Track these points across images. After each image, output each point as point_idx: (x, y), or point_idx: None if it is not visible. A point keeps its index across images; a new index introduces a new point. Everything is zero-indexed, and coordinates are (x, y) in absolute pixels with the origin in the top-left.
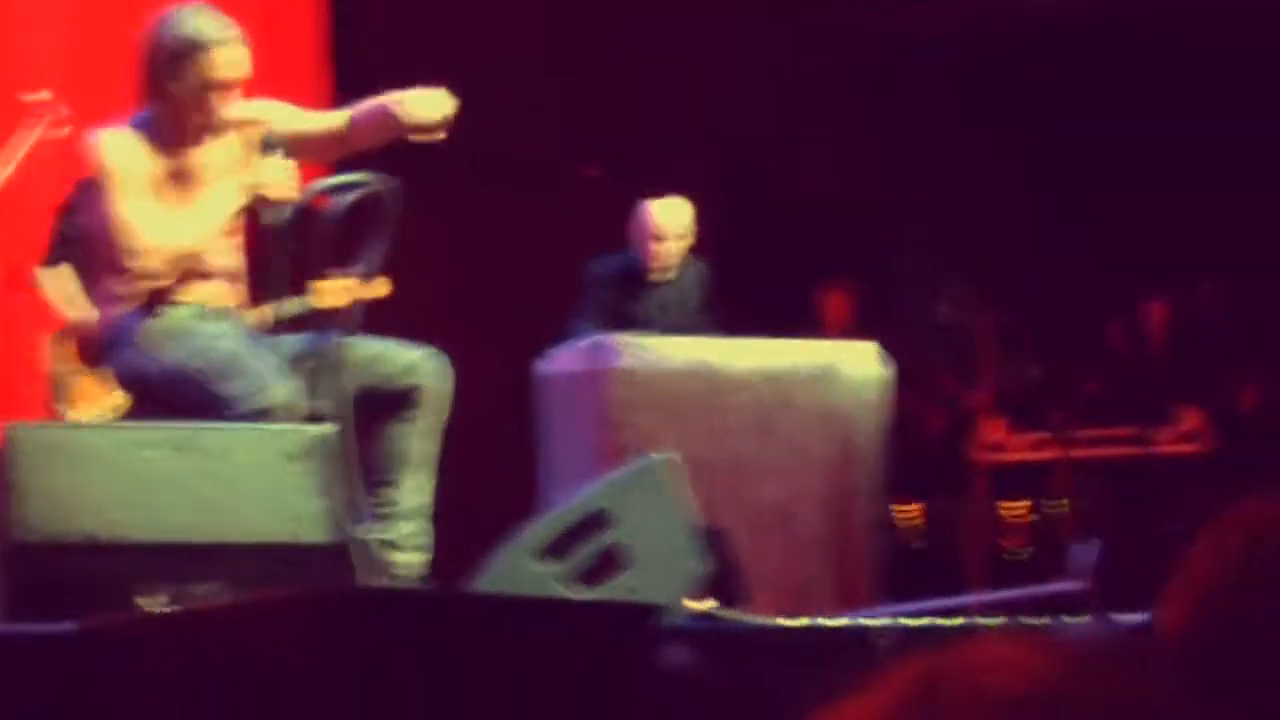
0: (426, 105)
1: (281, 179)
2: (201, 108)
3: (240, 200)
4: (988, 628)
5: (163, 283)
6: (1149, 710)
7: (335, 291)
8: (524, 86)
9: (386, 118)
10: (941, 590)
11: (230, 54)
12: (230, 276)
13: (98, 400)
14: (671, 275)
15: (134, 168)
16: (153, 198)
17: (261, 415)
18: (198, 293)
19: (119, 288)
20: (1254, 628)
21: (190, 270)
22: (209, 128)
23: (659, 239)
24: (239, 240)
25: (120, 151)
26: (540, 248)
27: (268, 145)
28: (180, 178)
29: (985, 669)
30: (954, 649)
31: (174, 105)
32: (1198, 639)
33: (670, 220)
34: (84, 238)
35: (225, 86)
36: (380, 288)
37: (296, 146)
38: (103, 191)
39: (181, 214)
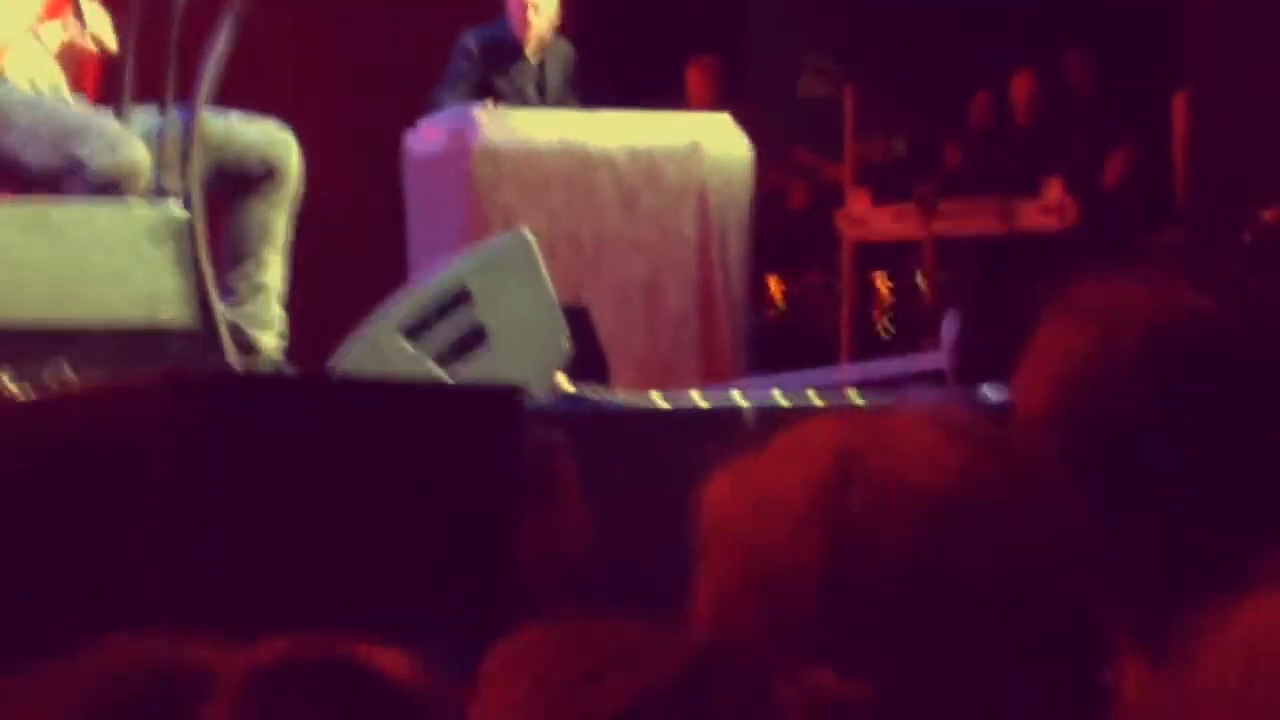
0: None
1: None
2: None
3: None
4: (854, 406)
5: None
6: (1053, 508)
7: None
8: None
9: None
10: (807, 365)
11: None
12: (66, 50)
13: None
14: (536, 49)
15: None
16: None
17: (117, 171)
18: (30, 63)
19: None
20: (1108, 419)
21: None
22: None
23: (533, 7)
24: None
25: None
26: (405, 23)
27: None
28: None
29: (907, 461)
30: (868, 427)
31: None
32: (1055, 425)
33: None
34: None
35: None
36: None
37: None
38: None
39: None
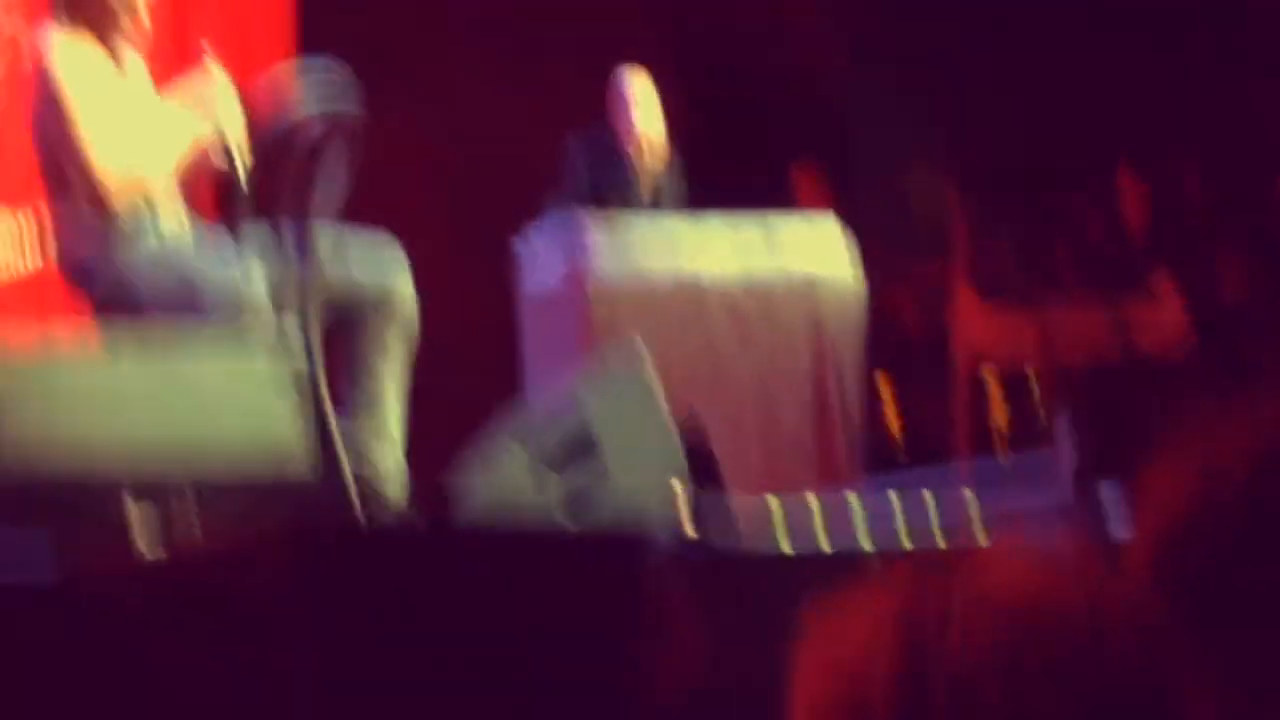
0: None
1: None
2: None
3: (198, 131)
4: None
5: (118, 209)
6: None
7: None
8: None
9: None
10: (922, 464)
11: None
12: (186, 184)
13: None
14: (641, 153)
15: (87, 74)
16: (109, 105)
17: (237, 317)
18: (154, 202)
19: (87, 200)
20: (1210, 569)
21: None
22: (125, 9)
23: (636, 108)
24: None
25: (64, 56)
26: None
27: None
28: (110, 80)
29: (989, 584)
30: (953, 557)
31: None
32: (1162, 575)
33: (644, 91)
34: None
35: None
36: None
37: None
38: (55, 105)
39: (139, 130)
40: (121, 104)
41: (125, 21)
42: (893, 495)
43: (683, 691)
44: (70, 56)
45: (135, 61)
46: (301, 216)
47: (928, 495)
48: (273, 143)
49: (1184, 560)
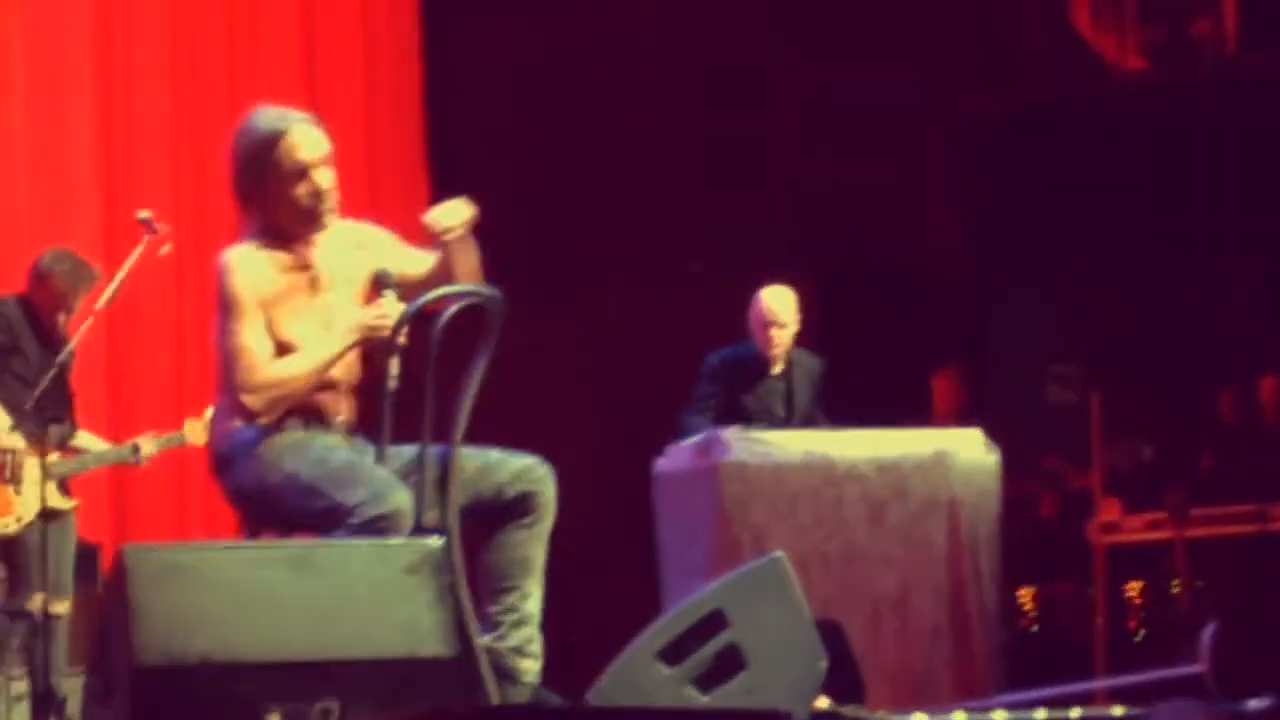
0: (451, 214)
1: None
2: (295, 202)
3: (355, 338)
4: (1114, 718)
5: (264, 418)
6: None
7: None
8: (621, 189)
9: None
10: (1063, 676)
11: (304, 134)
12: (343, 387)
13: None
14: (781, 366)
15: (260, 290)
16: (279, 313)
17: (381, 522)
18: (309, 402)
19: (236, 407)
20: None
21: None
22: (311, 219)
23: (776, 325)
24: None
25: (245, 271)
26: (649, 343)
27: (384, 283)
28: (304, 286)
29: None
30: None
31: (269, 206)
32: None
33: (783, 305)
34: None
35: (309, 167)
36: None
37: (406, 288)
38: (227, 315)
39: (303, 341)
40: (297, 317)
41: (316, 227)
42: (1039, 714)
43: None
44: (250, 264)
45: (330, 264)
46: (444, 401)
47: (1075, 713)
48: (413, 318)
49: None
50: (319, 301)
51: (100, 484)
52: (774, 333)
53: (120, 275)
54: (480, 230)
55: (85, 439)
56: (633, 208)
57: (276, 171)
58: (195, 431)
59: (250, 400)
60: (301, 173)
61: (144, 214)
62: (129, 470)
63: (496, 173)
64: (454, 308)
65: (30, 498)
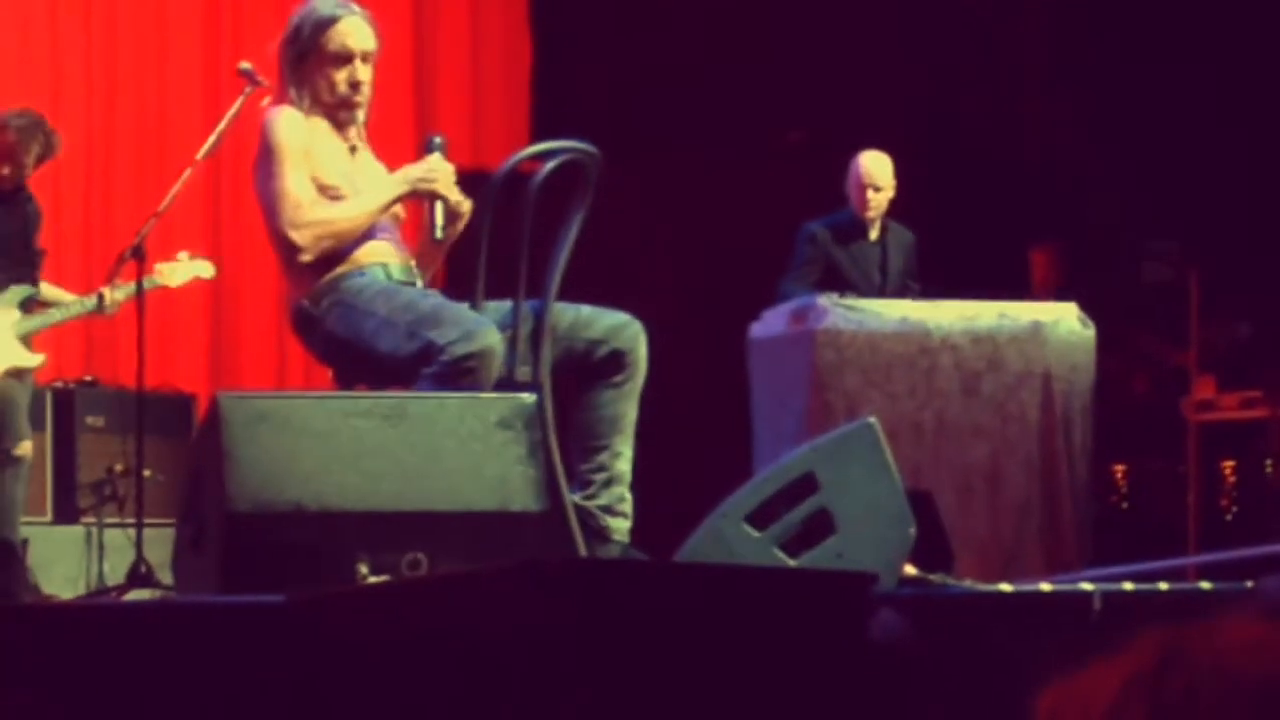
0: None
1: (449, 179)
2: (333, 85)
3: (403, 189)
4: (1203, 592)
5: (307, 257)
6: None
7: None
8: (723, 62)
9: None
10: (1153, 553)
11: (356, 26)
12: (395, 238)
13: None
14: (877, 233)
15: (302, 141)
16: (321, 166)
17: (472, 360)
18: (382, 253)
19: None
20: None
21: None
22: (344, 105)
23: (874, 188)
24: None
25: (290, 126)
26: (748, 214)
27: (431, 145)
28: (343, 151)
29: (1230, 650)
30: (1196, 625)
31: (308, 83)
32: None
33: (880, 169)
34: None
35: (353, 55)
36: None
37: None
38: (271, 159)
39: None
40: (337, 168)
41: (349, 115)
42: (1127, 586)
43: None
44: (295, 122)
45: (365, 149)
46: (538, 259)
47: (1163, 586)
48: (506, 178)
49: None
50: (357, 163)
51: (197, 333)
52: (871, 195)
53: (221, 127)
54: (580, 89)
55: (52, 293)
56: (730, 75)
57: (321, 51)
58: (167, 274)
59: (296, 236)
60: (346, 58)
61: (245, 65)
62: (226, 320)
63: (597, 34)
64: (551, 164)
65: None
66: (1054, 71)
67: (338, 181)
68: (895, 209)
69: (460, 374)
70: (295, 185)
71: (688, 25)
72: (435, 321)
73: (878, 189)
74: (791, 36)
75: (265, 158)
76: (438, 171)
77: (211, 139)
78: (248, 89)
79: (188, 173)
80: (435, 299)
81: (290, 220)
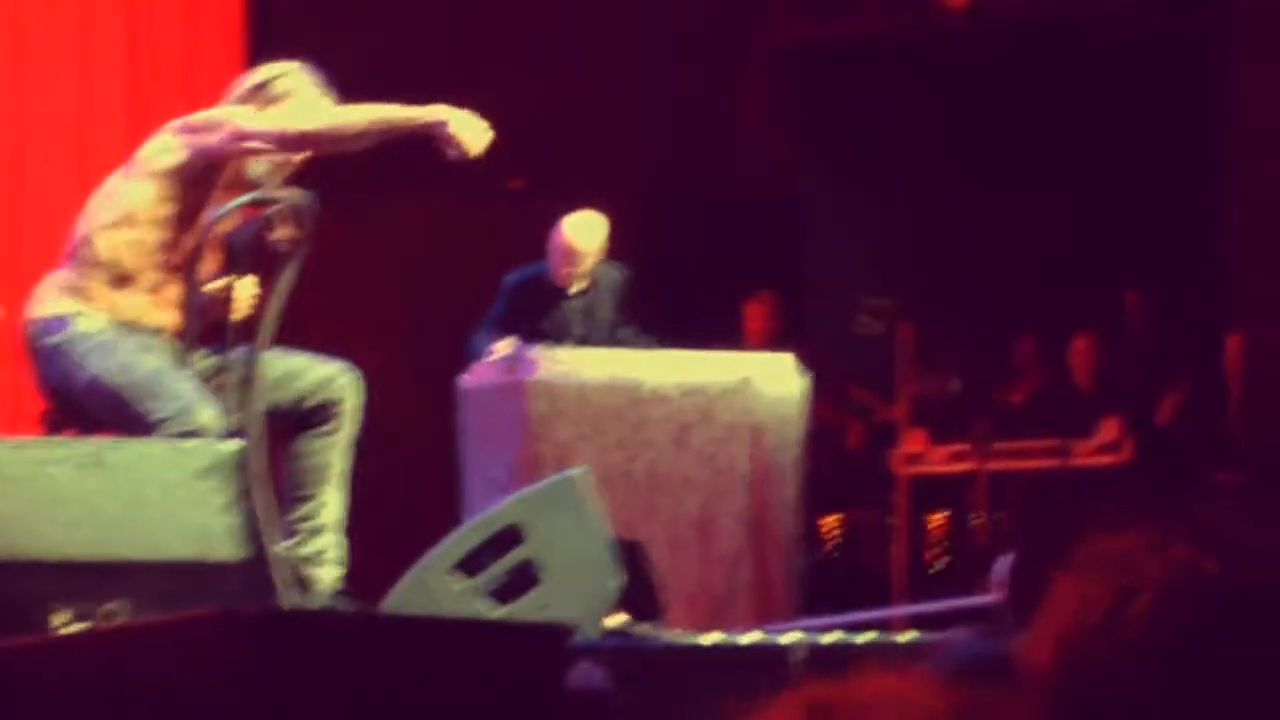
0: (471, 130)
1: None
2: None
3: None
4: (903, 644)
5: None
6: None
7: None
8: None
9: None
10: (861, 603)
11: None
12: (161, 295)
13: None
14: (584, 285)
15: None
16: None
17: (189, 438)
18: (127, 305)
19: (69, 281)
20: (1113, 685)
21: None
22: None
23: (571, 264)
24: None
25: None
26: (465, 259)
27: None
28: None
29: (874, 705)
30: (840, 681)
31: None
32: (1058, 684)
33: (583, 239)
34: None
35: None
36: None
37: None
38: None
39: None
40: None
41: None
42: (830, 637)
43: None
44: None
45: None
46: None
47: (864, 638)
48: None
49: (1083, 674)
50: None
51: None
52: (566, 271)
53: None
54: None
55: None
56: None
57: None
58: None
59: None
60: None
61: None
62: None
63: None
64: (267, 212)
65: None
66: (772, 117)
67: None
68: (609, 251)
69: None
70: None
71: (415, 55)
72: (152, 392)
73: (574, 265)
74: (517, 78)
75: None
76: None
77: None
78: None
79: None
80: (153, 362)
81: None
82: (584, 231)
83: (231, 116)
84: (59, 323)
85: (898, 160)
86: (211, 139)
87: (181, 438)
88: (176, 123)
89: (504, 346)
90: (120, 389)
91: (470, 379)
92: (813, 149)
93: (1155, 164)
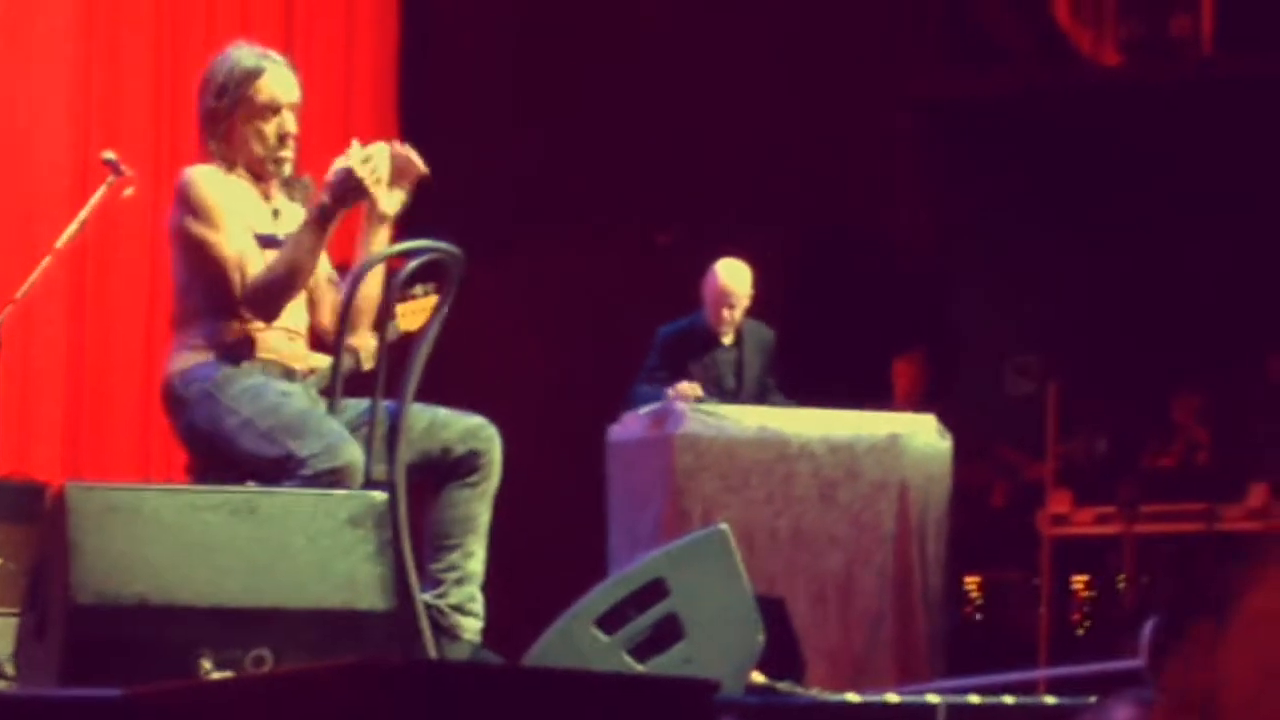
0: (380, 155)
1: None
2: (263, 138)
3: (324, 203)
4: (1049, 707)
5: (259, 325)
6: None
7: (411, 314)
8: (598, 153)
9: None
10: (1004, 665)
11: (281, 75)
12: (297, 335)
13: None
14: (732, 338)
15: (230, 202)
16: (252, 224)
17: (332, 475)
18: (271, 349)
19: (203, 334)
20: None
21: (273, 321)
22: (273, 159)
23: (729, 305)
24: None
25: (215, 186)
26: (613, 312)
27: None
28: (265, 215)
29: None
30: None
31: (234, 138)
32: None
33: (737, 281)
34: (175, 286)
35: (281, 107)
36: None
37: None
38: (198, 227)
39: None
40: (262, 226)
41: (276, 169)
42: (973, 698)
43: None
44: (218, 181)
45: (288, 207)
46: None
47: (1009, 700)
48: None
49: None
50: (281, 225)
51: (52, 420)
52: (725, 311)
53: (81, 215)
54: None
55: None
56: (602, 170)
57: (249, 105)
58: None
59: (257, 310)
60: (274, 110)
61: (109, 155)
62: (87, 408)
63: (474, 131)
64: (414, 263)
65: None
66: (923, 179)
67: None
68: (756, 309)
69: (319, 487)
70: (242, 246)
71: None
72: (298, 431)
73: (732, 305)
74: (666, 134)
75: (195, 223)
76: (355, 164)
77: (72, 227)
78: (110, 178)
79: (47, 260)
80: (300, 404)
81: (251, 292)
82: (737, 273)
83: None
84: (208, 367)
85: (1048, 217)
86: None
87: (327, 475)
88: None
89: (687, 388)
90: (269, 428)
91: (618, 431)
92: (961, 206)
93: None
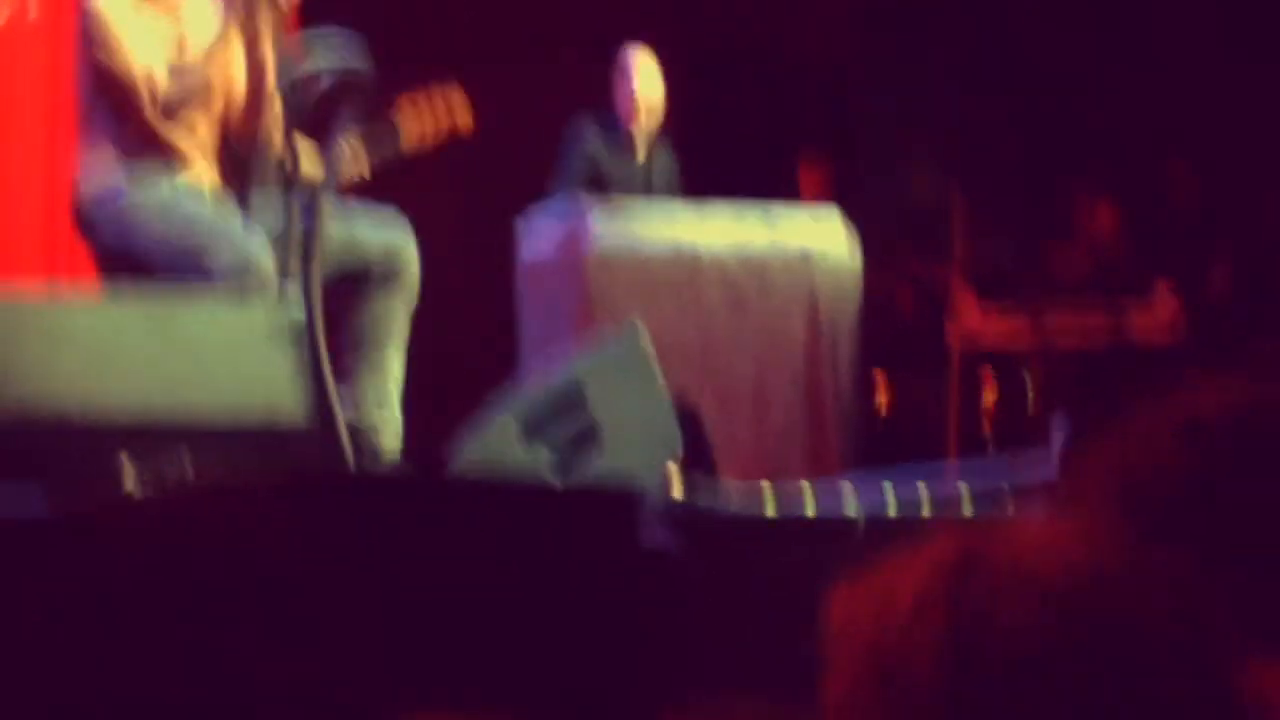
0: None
1: None
2: None
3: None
4: (964, 519)
5: (174, 125)
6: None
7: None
8: None
9: None
10: (913, 459)
11: None
12: (210, 155)
13: None
14: (644, 155)
15: (130, 7)
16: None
17: (244, 287)
18: (182, 169)
19: (111, 146)
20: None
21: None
22: None
23: (643, 91)
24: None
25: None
26: (513, 116)
27: None
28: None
29: (1028, 550)
30: (990, 526)
31: None
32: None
33: (649, 73)
34: (82, 100)
35: None
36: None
37: None
38: (106, 35)
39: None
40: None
41: None
42: (886, 485)
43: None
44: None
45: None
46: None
47: (921, 486)
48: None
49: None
50: (187, 18)
51: None
52: (640, 115)
53: None
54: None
55: None
56: None
57: None
58: None
59: (164, 126)
60: None
61: None
62: None
63: None
64: (324, 83)
65: None
66: None
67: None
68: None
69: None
70: (148, 59)
71: None
72: (209, 247)
73: (641, 80)
74: None
75: (98, 37)
76: None
77: None
78: None
79: None
80: (210, 217)
81: (161, 106)
82: (649, 66)
83: None
84: (115, 188)
85: (955, 19)
86: None
87: (238, 272)
88: None
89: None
90: (182, 246)
91: (529, 245)
92: (866, 8)
93: (1214, 26)
